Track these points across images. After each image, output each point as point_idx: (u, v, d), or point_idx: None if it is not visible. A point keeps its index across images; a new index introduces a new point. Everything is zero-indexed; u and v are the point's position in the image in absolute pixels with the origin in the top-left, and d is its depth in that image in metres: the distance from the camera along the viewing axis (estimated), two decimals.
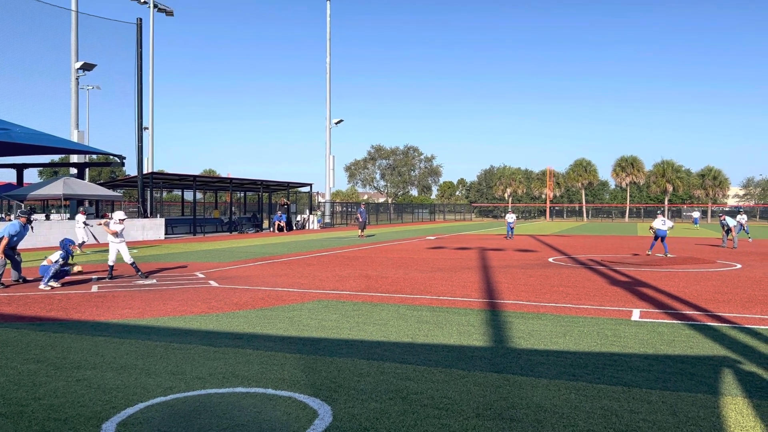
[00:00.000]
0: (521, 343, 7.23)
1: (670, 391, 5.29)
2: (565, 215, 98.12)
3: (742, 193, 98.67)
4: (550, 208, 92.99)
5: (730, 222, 25.11)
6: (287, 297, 10.94)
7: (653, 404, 4.94)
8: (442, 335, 7.66)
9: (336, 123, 55.73)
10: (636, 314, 9.21)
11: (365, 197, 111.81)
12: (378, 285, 12.62)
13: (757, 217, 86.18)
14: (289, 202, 46.04)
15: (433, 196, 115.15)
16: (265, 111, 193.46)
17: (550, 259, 19.14)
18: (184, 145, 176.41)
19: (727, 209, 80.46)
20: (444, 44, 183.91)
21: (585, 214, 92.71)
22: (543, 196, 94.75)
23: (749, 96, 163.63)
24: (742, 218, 28.69)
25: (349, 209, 63.76)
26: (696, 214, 59.41)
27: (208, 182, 49.82)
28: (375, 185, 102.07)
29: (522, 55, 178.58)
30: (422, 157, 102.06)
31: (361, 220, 34.36)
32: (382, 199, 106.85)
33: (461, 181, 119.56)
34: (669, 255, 20.02)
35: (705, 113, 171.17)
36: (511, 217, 32.63)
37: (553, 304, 10.13)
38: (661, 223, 20.47)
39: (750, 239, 30.91)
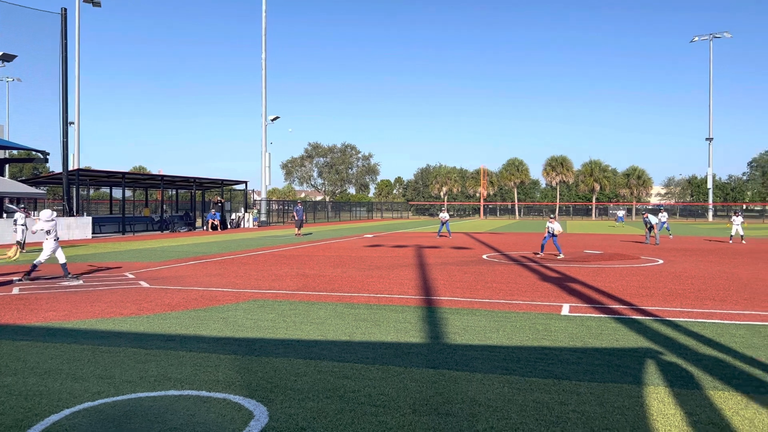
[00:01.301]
0: (456, 338, 7.36)
1: (597, 383, 5.50)
2: (498, 213, 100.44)
3: (664, 191, 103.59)
4: (484, 206, 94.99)
5: (653, 220, 26.47)
6: (221, 297, 10.72)
7: (582, 396, 5.13)
8: (379, 333, 7.70)
9: (272, 120, 55.08)
10: (566, 309, 9.54)
11: (302, 195, 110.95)
12: (315, 284, 12.56)
13: (677, 215, 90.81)
14: (223, 200, 45.09)
15: (370, 195, 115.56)
16: (199, 108, 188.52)
17: (485, 256, 19.55)
18: (113, 142, 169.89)
19: (650, 207, 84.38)
20: (381, 43, 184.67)
21: (517, 212, 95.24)
22: (477, 195, 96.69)
23: (672, 98, 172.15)
24: (663, 216, 30.21)
25: (286, 207, 63.15)
26: (621, 213, 62.05)
27: (138, 179, 48.21)
28: (312, 183, 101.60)
29: (458, 55, 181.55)
30: (360, 155, 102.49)
31: (297, 218, 34.06)
32: (319, 198, 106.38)
33: (398, 180, 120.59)
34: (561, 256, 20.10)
35: (630, 114, 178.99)
36: (444, 216, 32.99)
37: (487, 300, 10.35)
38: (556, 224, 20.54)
39: (671, 236, 32.52)
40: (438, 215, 39.21)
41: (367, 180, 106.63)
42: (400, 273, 14.56)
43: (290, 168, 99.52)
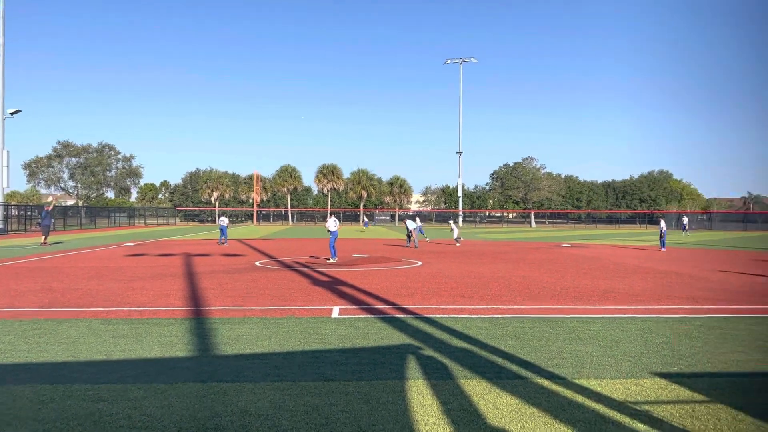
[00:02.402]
0: (227, 349, 7.14)
1: (364, 381, 5.75)
2: (272, 219, 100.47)
3: (422, 199, 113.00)
4: (257, 212, 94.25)
5: (410, 225, 28.87)
6: None
7: (350, 395, 5.32)
8: (141, 349, 7.14)
9: (12, 114, 48.21)
10: (336, 311, 9.84)
11: (50, 199, 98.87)
12: (65, 299, 11.23)
13: (433, 220, 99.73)
14: None
15: (132, 199, 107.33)
16: None
17: (257, 263, 19.36)
18: None
19: (410, 214, 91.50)
20: (144, 31, 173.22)
21: (291, 218, 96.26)
22: (251, 201, 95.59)
23: (429, 115, 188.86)
24: (418, 221, 33.13)
25: (30, 213, 55.74)
26: (366, 219, 69.69)
27: None
28: (62, 186, 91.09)
29: (229, 52, 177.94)
30: (120, 156, 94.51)
31: (44, 225, 30.20)
32: (71, 202, 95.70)
33: (165, 184, 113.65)
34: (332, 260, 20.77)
35: (394, 128, 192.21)
36: (224, 220, 32.00)
37: (260, 308, 10.24)
38: (334, 225, 21.30)
39: (427, 239, 35.65)
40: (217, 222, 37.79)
41: (129, 183, 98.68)
42: (166, 283, 13.73)
43: (34, 169, 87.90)
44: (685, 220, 58.38)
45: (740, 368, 6.38)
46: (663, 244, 29.21)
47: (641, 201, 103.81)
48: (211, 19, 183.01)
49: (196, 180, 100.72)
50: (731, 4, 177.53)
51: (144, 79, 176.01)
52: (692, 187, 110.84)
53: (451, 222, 34.09)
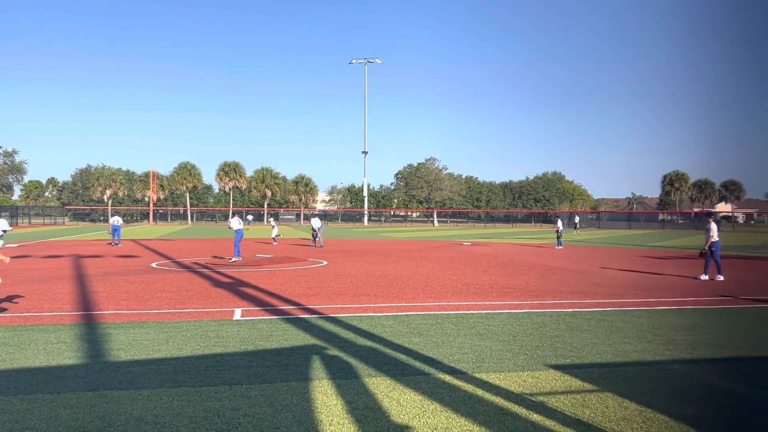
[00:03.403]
0: (121, 355, 6.78)
1: (268, 384, 5.64)
2: (169, 219, 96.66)
3: (328, 198, 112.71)
4: (154, 211, 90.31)
5: (315, 224, 28.83)
6: None
7: (252, 398, 5.20)
8: (24, 358, 6.63)
9: None
10: (238, 313, 9.60)
11: None
12: None
13: (339, 219, 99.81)
14: None
15: (15, 197, 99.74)
16: None
17: (154, 264, 18.55)
18: None
19: (316, 213, 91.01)
20: (22, 17, 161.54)
21: (190, 218, 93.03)
22: (146, 199, 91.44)
23: (335, 113, 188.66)
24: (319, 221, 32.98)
25: None
26: (250, 217, 70.85)
27: None
28: None
29: (121, 39, 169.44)
30: (1, 151, 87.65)
31: None
32: None
33: (52, 181, 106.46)
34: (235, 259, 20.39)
35: (299, 126, 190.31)
36: (117, 220, 30.41)
37: (156, 311, 9.81)
38: (238, 223, 21.05)
39: (317, 245, 35.26)
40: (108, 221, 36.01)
41: (11, 181, 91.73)
42: (53, 287, 12.86)
43: None
44: (577, 219, 62.08)
45: (625, 358, 6.83)
46: (560, 243, 30.75)
47: (536, 201, 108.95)
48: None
49: (87, 177, 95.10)
50: (622, 11, 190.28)
51: (27, 67, 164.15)
52: (583, 188, 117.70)
53: (272, 220, 36.79)
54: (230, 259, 20.01)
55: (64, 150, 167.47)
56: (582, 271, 17.29)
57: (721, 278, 15.17)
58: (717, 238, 15.66)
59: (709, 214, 16.38)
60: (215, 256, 21.79)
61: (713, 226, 15.79)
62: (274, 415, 4.80)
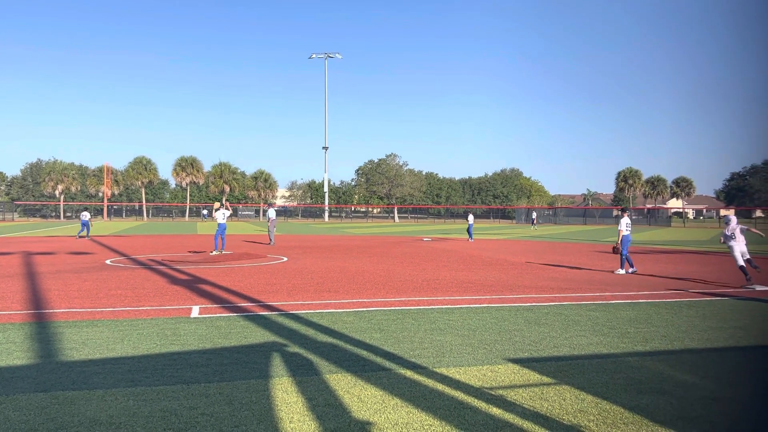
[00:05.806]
0: (74, 354, 6.59)
1: (226, 382, 5.56)
2: (124, 214, 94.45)
3: (288, 194, 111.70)
4: (108, 206, 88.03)
5: (272, 214, 28.87)
6: None
7: (211, 397, 5.12)
8: None
9: None
10: (195, 311, 9.44)
11: None
12: None
13: (299, 215, 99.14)
14: None
15: None
16: None
17: (108, 261, 18.09)
18: None
19: (276, 209, 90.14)
20: None
21: (145, 213, 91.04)
22: (100, 194, 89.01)
23: (295, 108, 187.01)
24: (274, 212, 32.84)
25: None
26: (205, 211, 68.04)
27: None
28: None
29: (70, 27, 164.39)
30: None
31: None
32: None
33: (0, 176, 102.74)
34: (215, 253, 21.04)
35: (258, 120, 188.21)
36: (85, 215, 30.90)
37: (111, 309, 9.57)
38: (222, 217, 21.81)
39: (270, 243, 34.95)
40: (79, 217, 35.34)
41: None
42: (2, 285, 12.42)
43: None
44: (534, 215, 63.04)
45: (581, 351, 6.98)
46: (471, 236, 32.87)
47: (495, 197, 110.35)
48: None
49: (37, 172, 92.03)
50: (576, 6, 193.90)
51: None
52: (540, 184, 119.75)
53: (86, 213, 34.76)
54: (212, 252, 20.47)
55: (12, 143, 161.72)
56: (538, 266, 17.58)
57: (621, 272, 15.65)
58: (627, 233, 15.85)
59: (624, 209, 16.65)
60: (192, 251, 21.39)
61: (623, 220, 15.98)
62: (233, 413, 4.73)
